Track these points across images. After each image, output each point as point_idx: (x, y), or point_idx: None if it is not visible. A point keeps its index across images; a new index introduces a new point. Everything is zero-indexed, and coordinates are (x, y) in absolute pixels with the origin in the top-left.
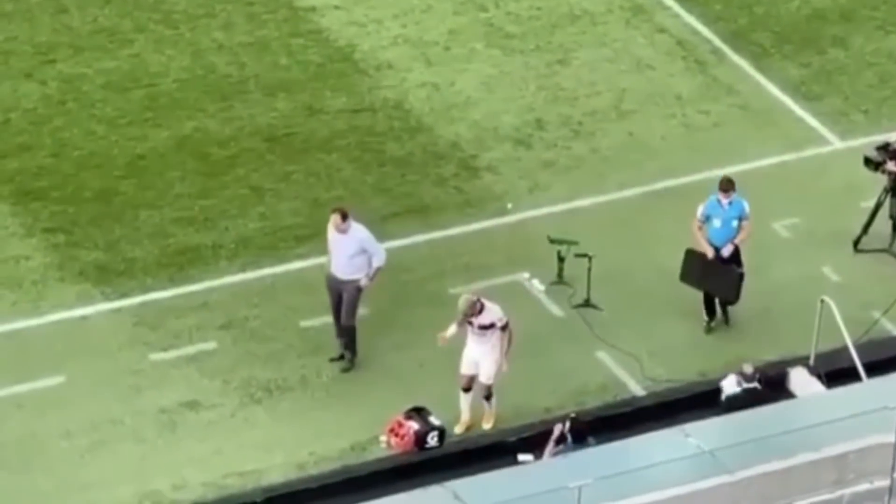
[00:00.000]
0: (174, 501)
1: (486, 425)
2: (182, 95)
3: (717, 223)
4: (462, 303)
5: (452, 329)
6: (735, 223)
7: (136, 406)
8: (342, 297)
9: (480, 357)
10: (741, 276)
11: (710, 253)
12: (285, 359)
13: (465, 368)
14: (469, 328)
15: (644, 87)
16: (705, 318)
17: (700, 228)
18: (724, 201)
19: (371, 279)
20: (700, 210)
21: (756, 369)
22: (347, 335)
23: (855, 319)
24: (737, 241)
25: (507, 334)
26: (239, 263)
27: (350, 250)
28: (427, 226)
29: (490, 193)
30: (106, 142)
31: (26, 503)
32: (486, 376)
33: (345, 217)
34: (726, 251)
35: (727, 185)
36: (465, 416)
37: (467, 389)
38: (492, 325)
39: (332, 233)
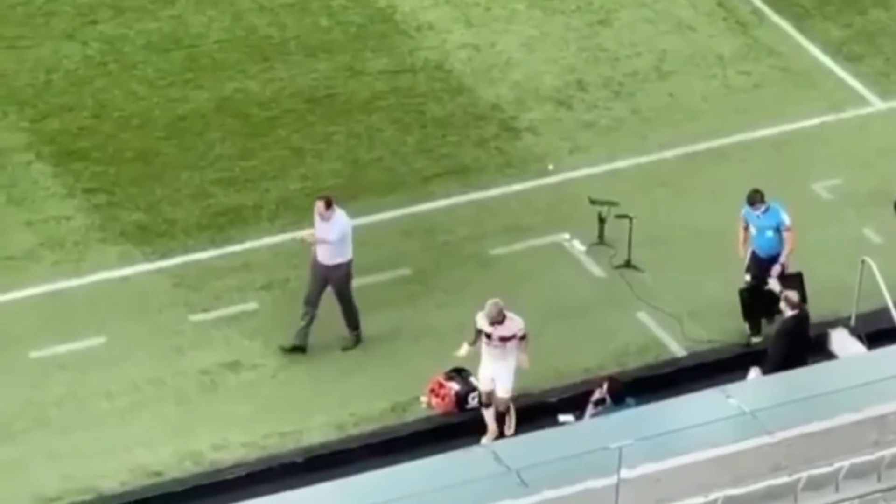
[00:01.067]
0: (215, 461)
1: (509, 432)
2: (223, 56)
3: (752, 230)
4: (489, 307)
5: (465, 349)
6: (771, 233)
7: (176, 366)
8: (326, 284)
9: (497, 372)
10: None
11: (741, 252)
12: (325, 320)
13: (484, 385)
14: (485, 343)
15: (685, 48)
16: (748, 331)
17: (746, 229)
18: (756, 213)
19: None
20: (742, 212)
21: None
22: (350, 321)
23: None
24: (781, 259)
25: (525, 343)
26: (280, 224)
27: (332, 237)
28: (467, 186)
29: (531, 154)
30: (147, 103)
31: (68, 462)
32: (503, 389)
33: (329, 205)
34: (774, 272)
35: (752, 198)
36: (493, 427)
37: (488, 405)
38: (512, 337)
39: (316, 219)
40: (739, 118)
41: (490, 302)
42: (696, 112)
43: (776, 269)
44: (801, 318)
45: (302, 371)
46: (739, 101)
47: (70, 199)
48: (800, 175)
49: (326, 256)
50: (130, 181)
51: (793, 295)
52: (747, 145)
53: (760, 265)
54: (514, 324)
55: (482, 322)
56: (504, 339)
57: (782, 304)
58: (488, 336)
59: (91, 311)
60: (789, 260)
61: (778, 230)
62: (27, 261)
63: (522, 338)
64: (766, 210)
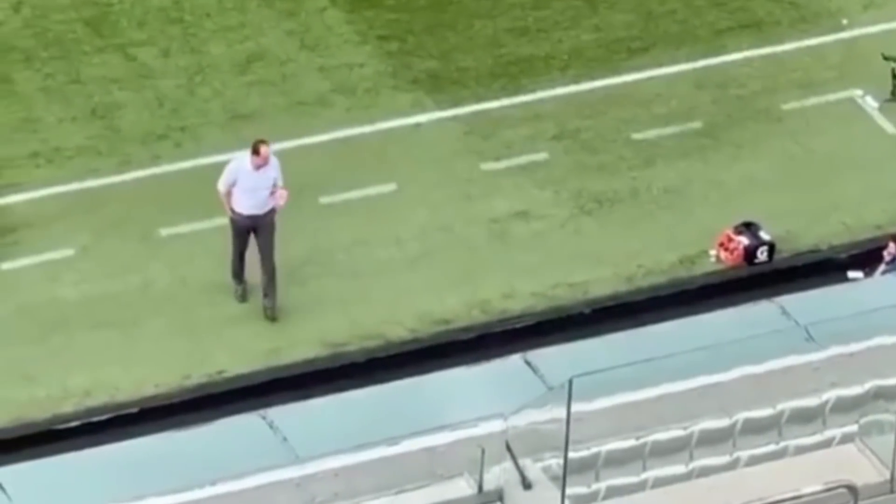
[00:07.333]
0: (503, 310)
1: None
2: None
3: None
4: None
5: None
6: None
7: (466, 215)
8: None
9: None
10: None
11: None
12: (616, 170)
13: None
14: None
15: None
16: None
17: None
18: None
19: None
20: None
21: None
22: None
23: None
24: None
25: None
26: (571, 75)
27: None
28: (760, 41)
29: (824, 9)
30: None
31: (355, 308)
32: None
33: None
34: None
35: None
36: None
37: None
38: None
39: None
40: None
41: None
42: None
43: None
44: None
45: (591, 221)
46: None
47: (363, 45)
48: None
49: None
50: (423, 29)
51: None
52: None
53: None
54: None
55: None
56: None
57: None
58: None
59: (382, 157)
60: None
61: None
62: (319, 106)
63: None
64: None
